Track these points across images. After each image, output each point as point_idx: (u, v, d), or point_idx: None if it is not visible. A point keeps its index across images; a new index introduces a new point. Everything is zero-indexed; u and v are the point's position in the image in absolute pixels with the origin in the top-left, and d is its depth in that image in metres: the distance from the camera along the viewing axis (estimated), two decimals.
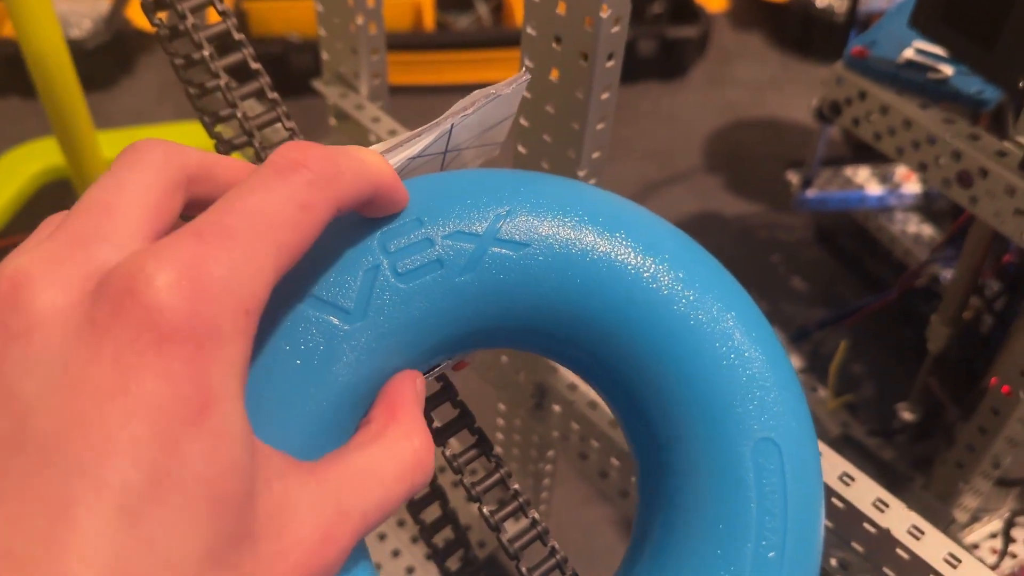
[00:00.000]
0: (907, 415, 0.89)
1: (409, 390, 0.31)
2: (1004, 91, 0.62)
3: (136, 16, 1.50)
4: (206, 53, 0.42)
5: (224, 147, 0.43)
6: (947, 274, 0.99)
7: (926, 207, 1.11)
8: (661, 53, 1.55)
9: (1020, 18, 0.60)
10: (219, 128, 0.44)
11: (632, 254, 0.33)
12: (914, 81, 0.72)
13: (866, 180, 1.13)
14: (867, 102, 0.74)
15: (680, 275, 0.33)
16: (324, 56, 0.79)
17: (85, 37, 1.43)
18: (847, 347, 0.87)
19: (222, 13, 0.44)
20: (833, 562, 0.55)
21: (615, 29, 0.56)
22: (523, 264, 0.32)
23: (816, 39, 1.59)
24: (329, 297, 0.30)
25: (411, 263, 0.31)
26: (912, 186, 1.11)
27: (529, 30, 0.56)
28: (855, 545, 0.52)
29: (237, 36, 0.44)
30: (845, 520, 0.51)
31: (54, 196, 1.22)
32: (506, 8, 1.60)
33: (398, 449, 0.28)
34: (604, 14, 0.54)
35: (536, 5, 0.54)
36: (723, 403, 0.32)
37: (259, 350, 0.29)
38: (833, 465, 0.52)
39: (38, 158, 1.23)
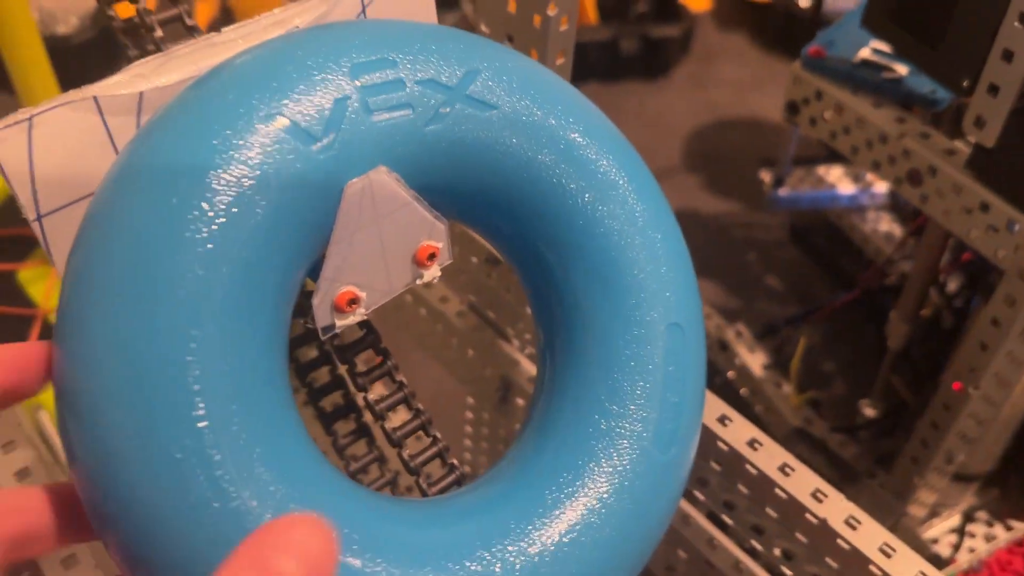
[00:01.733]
0: (869, 411, 0.90)
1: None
2: (949, 90, 0.63)
3: (122, 12, 1.51)
4: (158, 35, 0.43)
5: None
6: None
7: (896, 206, 1.12)
8: (644, 52, 1.56)
9: (963, 19, 0.61)
10: None
11: (585, 144, 0.37)
12: (869, 81, 0.73)
13: (838, 179, 1.14)
14: (823, 101, 0.75)
15: (623, 176, 0.38)
16: None
17: (71, 33, 1.45)
18: (807, 343, 0.89)
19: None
20: (777, 552, 0.56)
21: (563, 28, 0.57)
22: (487, 125, 0.35)
23: (799, 39, 1.59)
24: (300, 121, 0.31)
25: (382, 101, 0.32)
26: (883, 185, 1.12)
27: (482, 27, 0.57)
28: (799, 536, 0.53)
29: (189, 23, 0.45)
30: (787, 510, 0.52)
31: None
32: None
33: None
34: (552, 12, 0.55)
35: (487, 3, 0.55)
36: (641, 289, 0.37)
37: (230, 168, 0.30)
38: (772, 456, 0.53)
39: None
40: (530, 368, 0.73)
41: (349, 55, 0.33)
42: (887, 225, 1.13)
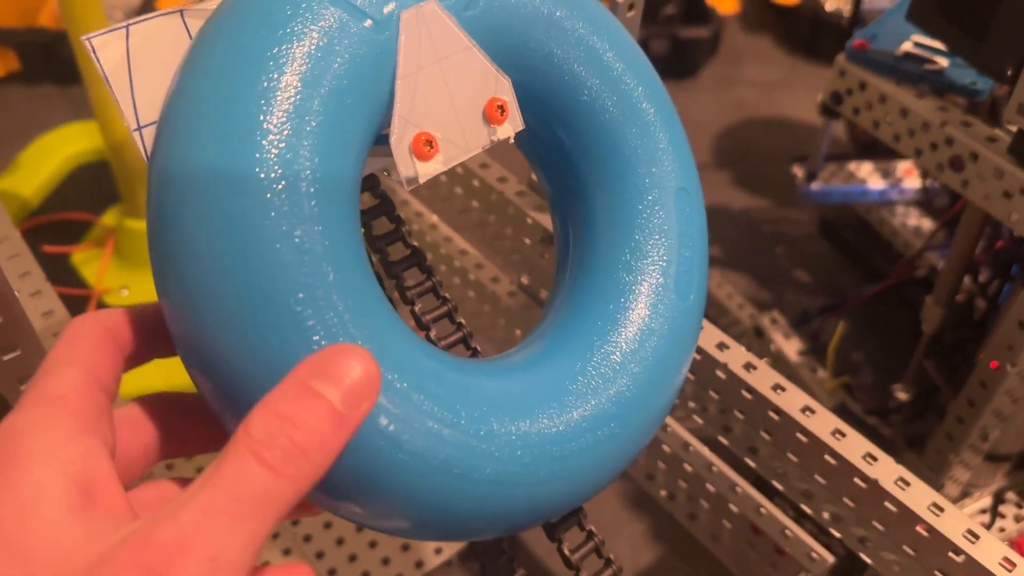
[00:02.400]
0: (902, 395, 0.93)
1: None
2: (994, 79, 0.67)
3: (166, 6, 1.55)
4: None
5: None
6: (942, 261, 1.03)
7: (926, 201, 1.15)
8: (673, 53, 1.59)
9: (1007, 12, 0.64)
10: None
11: (596, 38, 0.42)
12: (911, 72, 0.76)
13: (868, 175, 1.17)
14: (867, 92, 0.78)
15: (627, 65, 0.43)
16: None
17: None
18: (844, 329, 0.92)
19: None
20: (826, 515, 0.59)
21: (630, 14, 0.61)
22: (518, 11, 0.40)
23: (824, 41, 1.64)
24: (363, 5, 0.35)
25: None
26: (913, 181, 1.15)
27: None
28: (846, 500, 0.55)
29: None
30: (837, 474, 0.55)
31: (86, 176, 1.27)
32: None
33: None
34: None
35: None
36: (651, 162, 0.42)
37: (303, 68, 0.34)
38: (825, 422, 0.56)
39: (71, 141, 1.28)
40: None
41: None
42: (916, 220, 1.16)
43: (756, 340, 1.04)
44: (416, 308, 0.42)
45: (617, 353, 0.39)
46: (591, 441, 0.38)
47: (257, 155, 0.32)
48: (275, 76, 0.33)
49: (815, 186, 1.15)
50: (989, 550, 0.48)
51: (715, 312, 1.14)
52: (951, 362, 0.91)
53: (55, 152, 1.25)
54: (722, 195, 1.37)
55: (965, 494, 0.89)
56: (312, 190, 0.33)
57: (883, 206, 1.18)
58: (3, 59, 1.51)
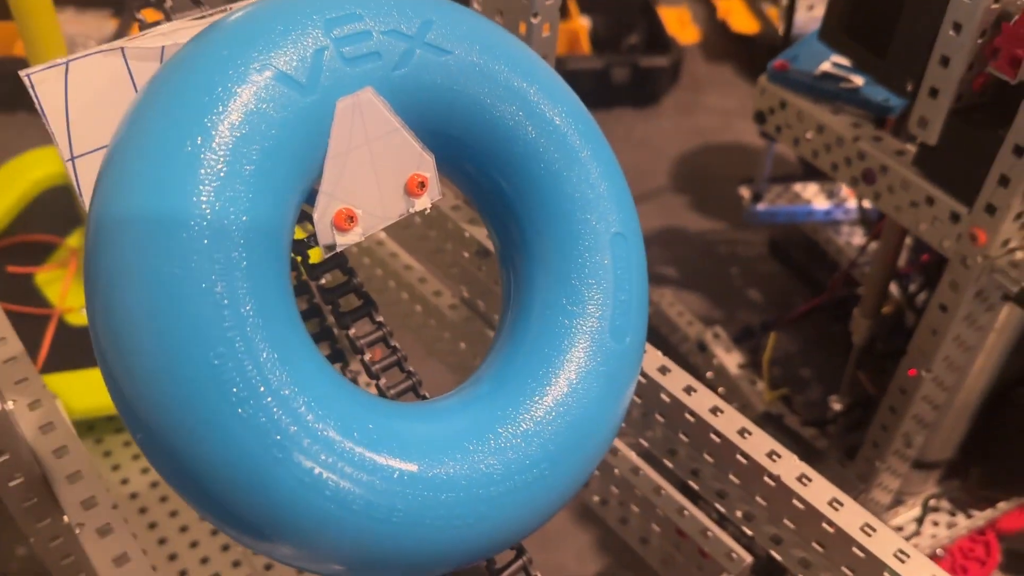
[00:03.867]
0: (836, 406, 0.95)
1: None
2: (896, 94, 0.70)
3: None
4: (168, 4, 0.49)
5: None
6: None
7: (867, 220, 1.18)
8: (635, 81, 1.64)
9: (906, 30, 0.68)
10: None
11: (526, 84, 0.43)
12: (828, 91, 0.80)
13: (814, 195, 1.20)
14: (787, 111, 0.82)
15: (560, 109, 0.44)
16: None
17: None
18: (778, 341, 0.94)
19: None
20: (739, 514, 0.60)
21: (545, 35, 0.64)
22: (446, 67, 0.42)
23: None
24: (286, 69, 0.37)
25: (354, 50, 0.39)
26: (855, 201, 1.19)
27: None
28: (786, 522, 0.56)
29: None
30: (776, 496, 0.56)
31: (51, 199, 1.30)
32: None
33: None
34: (535, 21, 0.62)
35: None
36: (586, 207, 0.44)
37: (224, 114, 0.36)
38: (759, 443, 0.56)
39: (38, 166, 1.31)
40: None
41: (322, 12, 0.39)
42: (859, 238, 1.19)
43: (699, 355, 1.06)
44: (366, 357, 0.45)
45: (550, 396, 0.40)
46: (520, 483, 0.39)
47: (185, 205, 0.34)
48: (208, 132, 0.35)
49: (761, 207, 1.18)
50: (885, 543, 0.49)
51: (666, 329, 1.16)
52: (884, 371, 0.94)
53: (21, 177, 1.28)
54: (679, 218, 1.41)
55: (898, 502, 0.91)
56: (239, 242, 0.35)
57: (829, 226, 1.21)
58: None
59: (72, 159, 0.45)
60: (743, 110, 1.66)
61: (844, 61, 0.81)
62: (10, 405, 0.54)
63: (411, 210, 0.46)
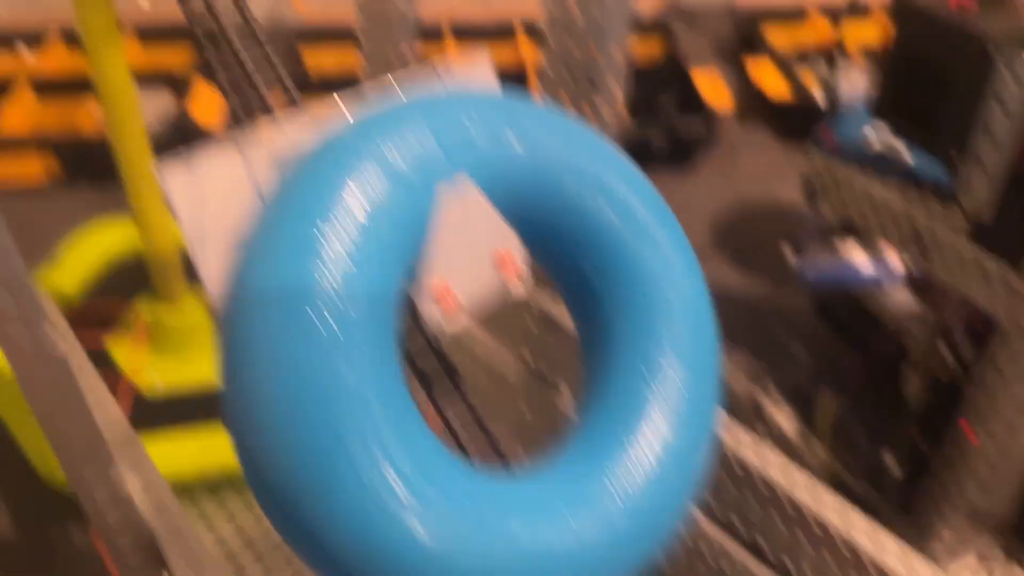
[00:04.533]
0: (892, 464, 0.97)
1: None
2: (943, 162, 0.73)
3: (196, 112, 1.67)
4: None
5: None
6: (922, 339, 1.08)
7: (912, 280, 1.20)
8: (673, 147, 1.68)
9: (953, 105, 0.72)
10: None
11: (604, 170, 0.49)
12: (877, 162, 0.83)
13: (858, 256, 1.23)
14: (836, 181, 0.85)
15: (634, 192, 0.50)
16: None
17: (152, 132, 1.59)
18: (836, 403, 0.96)
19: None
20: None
21: (607, 116, 0.68)
22: (533, 161, 0.47)
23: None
24: (402, 168, 0.42)
25: (457, 150, 0.44)
26: (900, 263, 1.21)
27: None
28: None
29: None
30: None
31: (121, 267, 1.35)
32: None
33: None
34: (598, 101, 0.67)
35: None
36: (663, 280, 0.48)
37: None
38: (827, 502, 0.59)
39: (109, 237, 1.37)
40: None
41: (433, 120, 0.45)
42: (904, 298, 1.21)
43: (752, 414, 1.09)
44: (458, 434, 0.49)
45: (637, 465, 0.44)
46: (612, 544, 0.43)
47: (310, 285, 0.40)
48: (331, 221, 0.41)
49: (806, 267, 1.21)
50: None
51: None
52: (938, 431, 0.95)
53: (93, 248, 1.34)
54: (721, 278, 1.44)
55: (953, 554, 0.92)
56: (358, 316, 0.40)
57: (873, 286, 1.23)
58: (44, 163, 1.62)
59: (195, 245, 0.50)
60: (779, 172, 1.69)
61: (892, 133, 0.85)
62: (117, 468, 0.58)
63: (500, 285, 0.51)
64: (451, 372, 0.54)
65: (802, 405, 1.09)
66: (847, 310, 1.31)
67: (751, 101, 1.84)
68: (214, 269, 0.50)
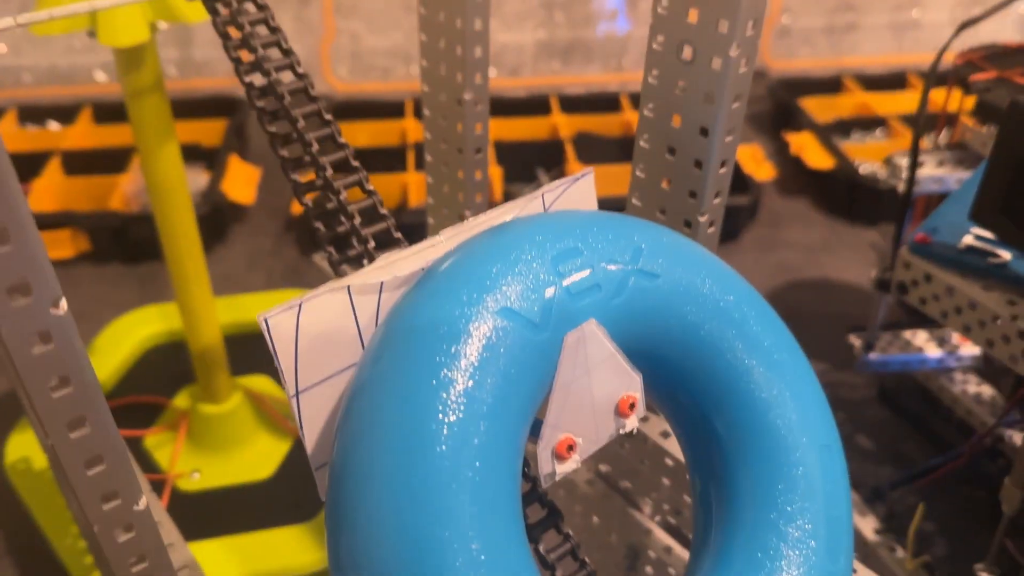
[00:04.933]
0: (984, 574, 0.92)
1: None
2: None
3: (231, 190, 1.64)
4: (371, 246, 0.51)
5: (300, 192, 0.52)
6: (1011, 433, 1.03)
7: (984, 368, 1.16)
8: None
9: None
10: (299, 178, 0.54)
11: (728, 300, 0.44)
12: (976, 265, 0.79)
13: (924, 342, 1.19)
14: (932, 284, 0.81)
15: (761, 323, 0.45)
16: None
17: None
18: (919, 508, 0.91)
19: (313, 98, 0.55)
20: None
21: (710, 231, 0.64)
22: (656, 291, 0.43)
23: (861, 203, 1.69)
24: (522, 310, 0.38)
25: (578, 285, 0.40)
26: (969, 348, 1.17)
27: (651, 79, 0.61)
28: None
29: (396, 235, 0.53)
30: None
31: (158, 358, 1.31)
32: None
33: None
34: (702, 219, 0.63)
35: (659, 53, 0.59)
36: (794, 418, 0.43)
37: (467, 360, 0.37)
38: None
39: (144, 324, 1.33)
40: (663, 537, 0.77)
41: (547, 249, 0.41)
42: (975, 386, 1.17)
43: None
44: (558, 574, 0.44)
45: None
46: None
47: (428, 439, 0.36)
48: (449, 370, 0.37)
49: (873, 356, 1.16)
50: None
51: None
52: None
53: (128, 336, 1.30)
54: None
55: None
56: (478, 477, 0.36)
57: (941, 373, 1.19)
58: (74, 241, 1.59)
59: (297, 394, 0.45)
60: (824, 245, 1.66)
61: (988, 234, 0.81)
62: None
63: (622, 431, 0.46)
64: (556, 516, 0.49)
65: (881, 507, 1.04)
66: (911, 396, 1.26)
67: (791, 171, 1.82)
68: (314, 420, 0.46)
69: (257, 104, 0.57)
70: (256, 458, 1.17)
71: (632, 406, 0.46)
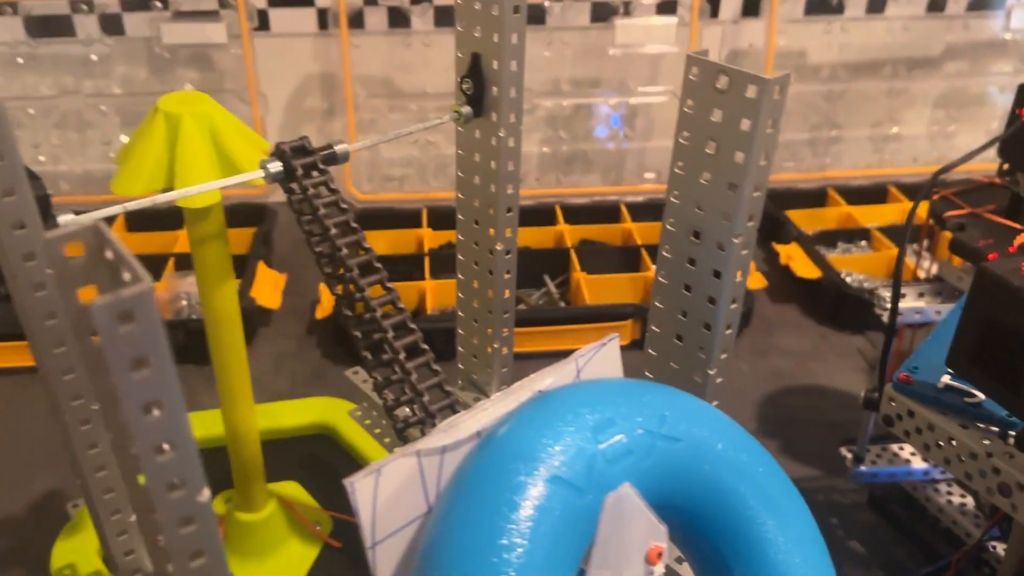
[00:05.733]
0: None
1: None
2: None
3: (259, 295, 1.73)
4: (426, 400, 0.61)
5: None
6: (994, 545, 1.13)
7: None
8: None
9: None
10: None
11: (742, 458, 0.54)
12: (953, 404, 0.90)
13: (911, 455, 1.29)
14: (915, 419, 0.92)
15: (770, 478, 0.55)
16: (460, 367, 0.99)
17: None
18: None
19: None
20: None
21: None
22: (680, 452, 0.53)
23: (848, 313, 1.81)
24: (568, 478, 0.47)
25: (615, 452, 0.50)
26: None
27: (665, 253, 0.72)
28: None
29: (447, 388, 0.64)
30: None
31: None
32: (572, 285, 1.84)
33: None
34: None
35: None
36: (799, 566, 0.52)
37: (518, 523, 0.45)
38: None
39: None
40: None
41: (587, 421, 0.51)
42: (959, 498, 1.27)
43: None
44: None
45: None
46: None
47: None
48: (509, 532, 0.46)
49: (864, 468, 1.26)
50: None
51: None
52: None
53: None
54: None
55: None
56: None
57: (928, 484, 1.28)
58: None
59: (374, 546, 0.55)
60: (814, 352, 1.77)
61: (972, 387, 0.92)
62: None
63: (648, 573, 0.56)
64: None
65: None
66: (899, 504, 1.35)
67: (781, 280, 1.94)
68: (387, 567, 0.55)
69: (325, 270, 0.68)
70: (288, 564, 1.25)
71: (659, 555, 0.55)
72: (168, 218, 1.91)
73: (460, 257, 0.96)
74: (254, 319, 1.74)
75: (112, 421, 0.42)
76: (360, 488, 0.53)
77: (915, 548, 1.31)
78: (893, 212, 2.09)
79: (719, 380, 0.75)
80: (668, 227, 0.70)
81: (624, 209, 2.03)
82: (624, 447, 0.52)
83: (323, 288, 1.72)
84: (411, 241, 1.91)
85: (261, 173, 0.69)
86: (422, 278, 1.76)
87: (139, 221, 1.95)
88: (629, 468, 0.53)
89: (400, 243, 1.91)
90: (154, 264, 1.81)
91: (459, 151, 0.89)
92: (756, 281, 1.87)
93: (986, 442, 0.87)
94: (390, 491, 0.55)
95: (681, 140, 0.70)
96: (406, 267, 1.81)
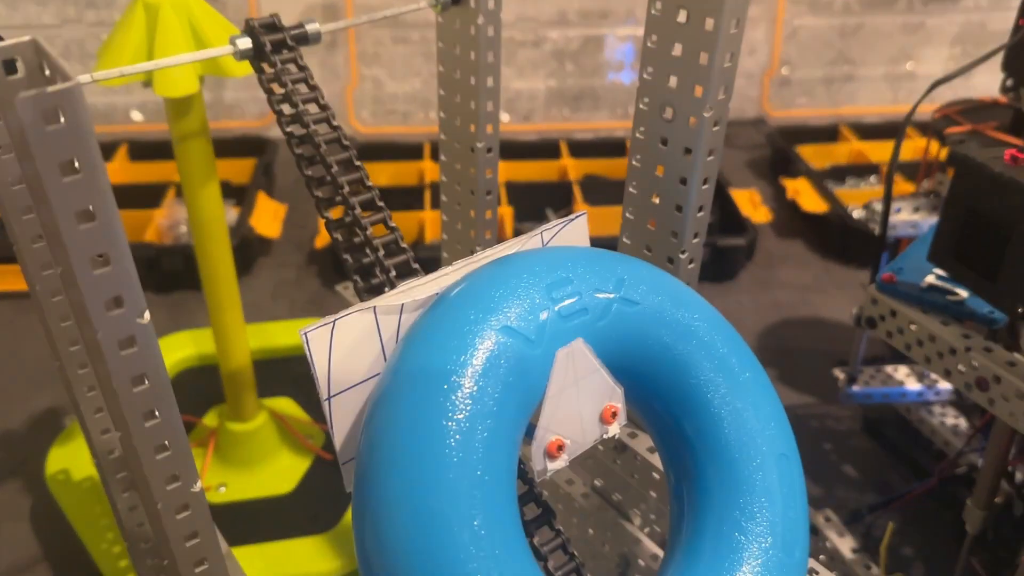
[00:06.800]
0: None
1: None
2: (1006, 314, 0.78)
3: (258, 224, 1.74)
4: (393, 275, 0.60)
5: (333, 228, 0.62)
6: (981, 460, 1.11)
7: (960, 401, 1.24)
8: (713, 259, 1.74)
9: (1014, 258, 0.76)
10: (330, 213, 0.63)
11: (698, 325, 0.52)
12: (935, 302, 0.88)
13: (905, 377, 1.27)
14: (897, 319, 0.90)
15: (727, 344, 0.53)
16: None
17: None
18: (894, 529, 0.99)
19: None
20: None
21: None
22: (636, 316, 0.51)
23: (853, 247, 1.78)
24: (520, 329, 0.47)
25: (568, 309, 0.48)
26: (946, 382, 1.25)
27: (638, 135, 0.70)
28: None
29: (414, 266, 0.63)
30: None
31: (190, 379, 1.40)
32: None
33: None
34: (683, 256, 0.72)
35: (644, 112, 0.69)
36: (755, 430, 0.51)
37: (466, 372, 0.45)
38: None
39: (176, 348, 1.43)
40: (651, 546, 0.84)
41: (542, 279, 0.50)
42: (952, 419, 1.25)
43: (812, 538, 1.11)
44: (549, 564, 0.53)
45: None
46: None
47: (438, 440, 0.45)
48: (458, 380, 0.46)
49: (856, 388, 1.25)
50: None
51: None
52: (997, 558, 0.98)
53: (164, 359, 1.39)
54: None
55: None
56: (482, 474, 0.44)
57: (921, 406, 1.27)
58: None
59: (329, 398, 0.54)
60: (817, 285, 1.75)
61: (952, 281, 0.90)
62: None
63: (605, 436, 0.55)
64: (550, 515, 0.58)
65: (861, 529, 1.11)
66: (893, 427, 1.34)
67: (787, 215, 1.91)
68: (343, 421, 0.55)
69: (296, 151, 0.67)
70: (278, 474, 1.26)
71: (614, 414, 0.54)
72: (169, 149, 1.91)
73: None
74: (254, 248, 1.75)
75: (68, 277, 0.42)
76: (314, 338, 0.53)
77: (908, 471, 1.29)
78: (907, 149, 2.05)
79: (691, 265, 0.73)
80: (641, 107, 0.68)
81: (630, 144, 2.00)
82: (579, 305, 0.51)
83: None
84: (412, 173, 1.91)
85: (231, 49, 0.68)
86: (422, 209, 1.76)
87: (141, 151, 1.95)
88: (583, 326, 0.51)
89: (402, 175, 1.91)
90: (155, 192, 1.82)
91: (439, 43, 0.87)
92: (762, 215, 1.84)
93: (966, 337, 0.85)
94: (346, 345, 0.54)
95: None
96: (407, 198, 1.80)
